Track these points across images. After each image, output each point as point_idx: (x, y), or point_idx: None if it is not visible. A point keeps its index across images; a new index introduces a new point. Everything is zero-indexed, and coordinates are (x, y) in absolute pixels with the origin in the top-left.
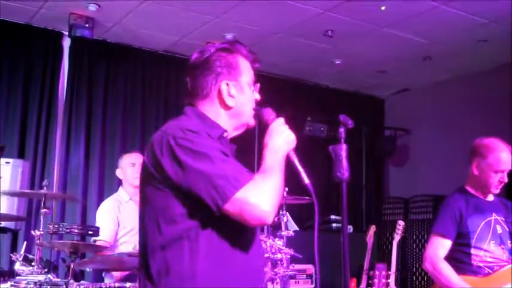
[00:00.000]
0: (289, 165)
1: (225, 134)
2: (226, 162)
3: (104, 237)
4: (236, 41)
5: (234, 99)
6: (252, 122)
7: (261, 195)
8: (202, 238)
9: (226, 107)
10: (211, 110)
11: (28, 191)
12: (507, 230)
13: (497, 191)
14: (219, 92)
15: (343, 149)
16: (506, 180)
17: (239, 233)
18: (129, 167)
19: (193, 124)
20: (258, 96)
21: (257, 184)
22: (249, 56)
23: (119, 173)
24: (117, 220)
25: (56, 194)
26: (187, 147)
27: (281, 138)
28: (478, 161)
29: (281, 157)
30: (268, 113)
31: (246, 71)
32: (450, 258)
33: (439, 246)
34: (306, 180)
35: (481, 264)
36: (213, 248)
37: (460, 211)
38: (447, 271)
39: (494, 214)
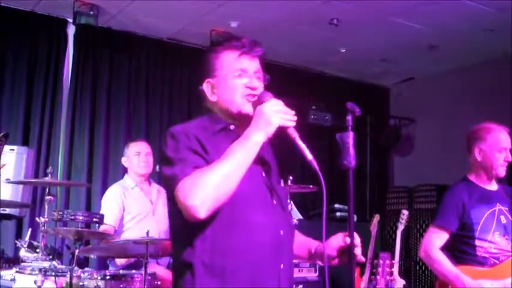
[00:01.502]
0: (289, 143)
1: (231, 127)
2: (184, 162)
3: (108, 221)
4: (226, 38)
5: (215, 95)
6: (245, 109)
7: (188, 188)
8: (205, 230)
9: (214, 103)
10: (213, 108)
11: (32, 179)
12: (511, 220)
13: (504, 173)
14: (204, 92)
15: (350, 137)
16: (510, 159)
17: (236, 220)
18: (135, 156)
19: (185, 126)
20: (254, 84)
21: (192, 177)
22: (237, 45)
23: (124, 161)
24: (122, 205)
25: (60, 182)
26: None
27: (256, 124)
28: (479, 145)
29: (251, 144)
30: (264, 95)
31: (225, 64)
32: (455, 249)
33: (435, 236)
34: (309, 156)
35: (486, 255)
36: (216, 240)
37: (462, 203)
38: (440, 258)
39: (498, 204)
